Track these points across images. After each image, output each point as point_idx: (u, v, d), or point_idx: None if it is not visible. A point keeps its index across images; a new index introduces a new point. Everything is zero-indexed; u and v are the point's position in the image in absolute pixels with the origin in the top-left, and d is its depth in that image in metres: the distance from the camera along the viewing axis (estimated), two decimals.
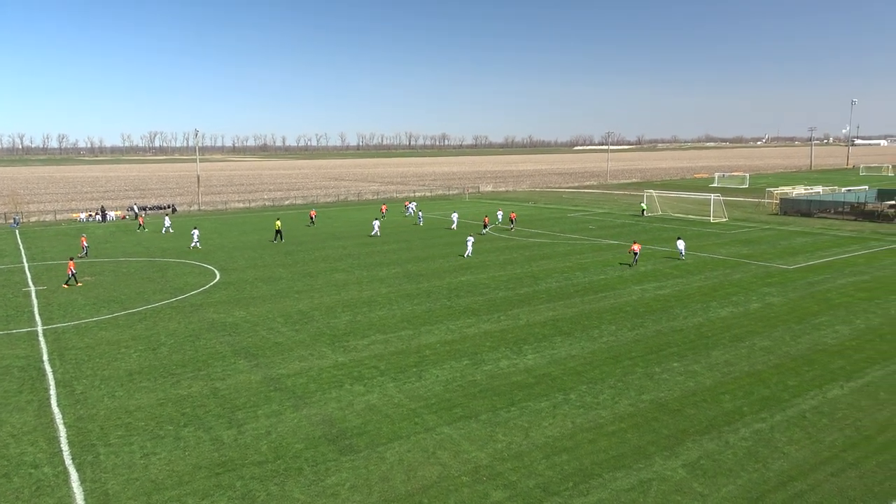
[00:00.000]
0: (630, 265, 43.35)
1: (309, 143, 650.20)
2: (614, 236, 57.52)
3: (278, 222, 60.10)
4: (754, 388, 22.39)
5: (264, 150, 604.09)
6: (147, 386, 23.39)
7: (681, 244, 45.97)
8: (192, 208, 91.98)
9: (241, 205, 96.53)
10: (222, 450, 18.53)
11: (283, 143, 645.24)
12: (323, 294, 37.16)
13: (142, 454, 18.37)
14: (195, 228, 56.78)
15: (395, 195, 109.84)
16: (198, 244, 54.62)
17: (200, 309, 34.10)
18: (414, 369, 24.63)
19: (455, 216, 66.02)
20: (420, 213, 73.63)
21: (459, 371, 24.38)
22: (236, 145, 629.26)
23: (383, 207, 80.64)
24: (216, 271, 44.27)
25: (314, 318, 32.16)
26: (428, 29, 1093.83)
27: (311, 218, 71.10)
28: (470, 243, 48.61)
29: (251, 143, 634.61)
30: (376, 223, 61.71)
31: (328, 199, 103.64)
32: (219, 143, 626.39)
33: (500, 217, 68.15)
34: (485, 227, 61.65)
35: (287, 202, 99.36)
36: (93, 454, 18.41)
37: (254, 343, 28.18)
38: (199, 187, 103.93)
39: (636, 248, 44.09)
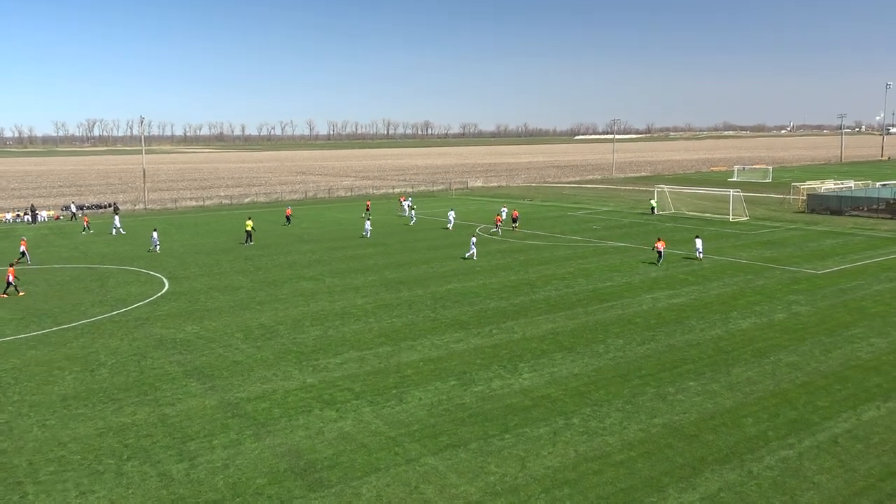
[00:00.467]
0: (655, 264, 45.45)
1: (272, 133, 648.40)
2: (621, 237, 57.84)
3: (249, 222, 59.95)
4: (780, 409, 22.53)
5: (221, 140, 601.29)
6: (84, 413, 23.10)
7: (699, 243, 47.52)
8: (137, 207, 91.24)
9: (193, 203, 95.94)
10: (171, 487, 18.32)
11: (243, 132, 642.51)
12: (289, 305, 37.00)
13: (77, 492, 18.10)
14: (155, 230, 56.98)
15: (371, 191, 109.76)
16: (157, 248, 54.65)
17: (147, 323, 33.84)
18: (393, 391, 24.54)
19: (452, 215, 66.43)
20: (414, 212, 73.82)
21: (446, 393, 24.32)
22: (188, 135, 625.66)
23: (367, 204, 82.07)
24: (165, 280, 43.98)
25: (278, 332, 32.00)
26: (407, 1, 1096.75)
27: (287, 217, 71.75)
28: (473, 243, 49.53)
29: (205, 132, 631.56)
30: (368, 223, 62.44)
31: (294, 196, 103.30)
32: (168, 133, 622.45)
33: (503, 214, 68.32)
34: (496, 226, 62.84)
35: (247, 200, 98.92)
36: (19, 493, 18.11)
37: (208, 362, 28.00)
38: (145, 183, 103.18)
39: (660, 246, 46.23)
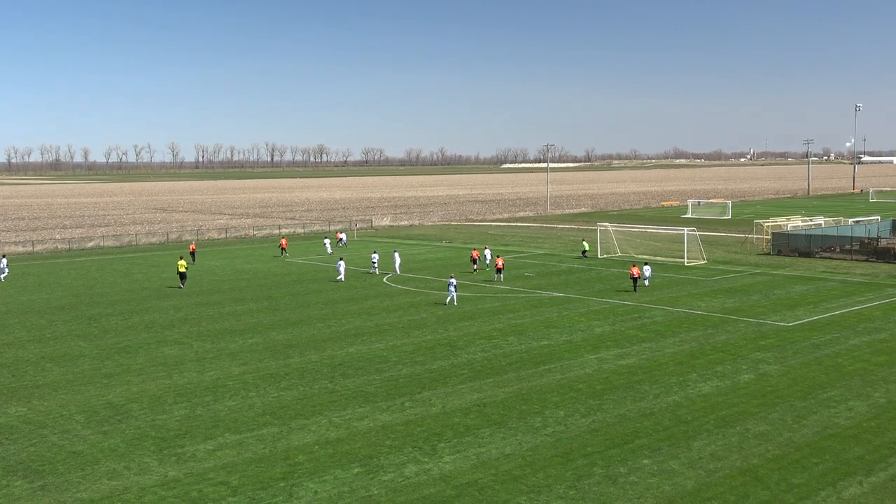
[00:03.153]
0: (636, 291, 53.41)
1: (124, 159, 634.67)
2: (559, 286, 59.03)
3: (182, 261, 63.24)
4: (750, 489, 23.24)
5: (56, 169, 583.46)
6: None
7: (647, 270, 57.07)
8: None
9: (19, 248, 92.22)
10: None
11: (86, 157, 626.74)
12: (145, 378, 35.97)
13: None
14: None
15: (251, 232, 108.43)
16: None
17: None
18: (281, 484, 24.06)
19: (376, 257, 68.48)
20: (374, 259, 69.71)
21: (348, 484, 24.00)
22: (13, 161, 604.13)
23: (283, 242, 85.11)
24: None
25: (132, 413, 31.04)
26: (291, 3, 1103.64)
27: (192, 254, 77.59)
28: (453, 286, 52.12)
29: (36, 157, 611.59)
30: (341, 264, 64.16)
31: (153, 240, 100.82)
32: None
33: (488, 257, 69.39)
34: (474, 262, 65.53)
35: (91, 244, 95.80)
36: None
37: (38, 454, 26.88)
38: None
39: (636, 272, 54.38)
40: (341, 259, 66.32)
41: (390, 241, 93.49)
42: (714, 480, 23.84)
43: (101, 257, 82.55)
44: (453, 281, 52.57)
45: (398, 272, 66.75)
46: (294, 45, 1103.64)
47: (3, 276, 66.09)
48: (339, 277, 63.21)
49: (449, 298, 51.91)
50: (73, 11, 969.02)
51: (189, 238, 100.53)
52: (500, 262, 63.17)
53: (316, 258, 79.07)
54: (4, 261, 67.67)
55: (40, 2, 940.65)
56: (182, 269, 62.33)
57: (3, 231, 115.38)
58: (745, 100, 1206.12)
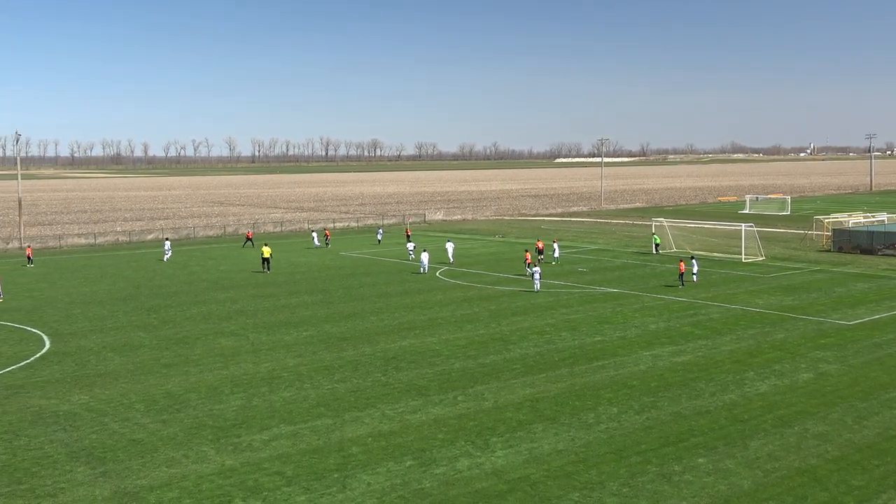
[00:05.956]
0: (681, 286, 54.13)
1: (182, 153, 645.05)
2: (613, 282, 58.57)
3: (266, 248, 67.54)
4: (808, 490, 22.84)
5: (117, 163, 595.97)
6: None
7: (695, 265, 56.83)
8: (10, 245, 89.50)
9: (82, 240, 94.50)
10: None
11: (146, 152, 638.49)
12: (203, 368, 36.56)
13: None
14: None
15: (304, 226, 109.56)
16: None
17: (21, 392, 33.14)
18: (335, 475, 24.28)
19: (450, 247, 71.04)
20: (412, 254, 72.47)
21: (400, 476, 24.13)
22: (77, 155, 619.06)
23: (327, 233, 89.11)
24: (45, 337, 43.20)
25: (190, 403, 31.55)
26: None
27: (249, 240, 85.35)
28: (537, 275, 54.58)
29: (98, 152, 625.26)
30: (425, 255, 65.05)
31: (210, 233, 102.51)
32: (51, 153, 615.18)
33: (556, 251, 70.58)
34: (526, 264, 63.33)
35: (150, 237, 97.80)
36: None
37: (100, 441, 27.46)
38: (20, 215, 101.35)
39: (683, 267, 55.06)
40: (425, 250, 66.83)
41: (442, 235, 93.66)
42: (771, 481, 23.48)
43: (160, 250, 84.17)
44: (538, 270, 55.16)
45: (451, 260, 68.65)
46: (349, 41, 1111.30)
47: (166, 257, 74.86)
48: (422, 270, 63.84)
49: (535, 285, 54.18)
50: (133, 8, 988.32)
51: (245, 231, 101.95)
52: (528, 257, 64.00)
53: (369, 251, 79.60)
54: (168, 244, 77.43)
55: None
56: (266, 255, 66.14)
57: (67, 223, 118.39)
58: (805, 93, 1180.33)
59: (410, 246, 74.38)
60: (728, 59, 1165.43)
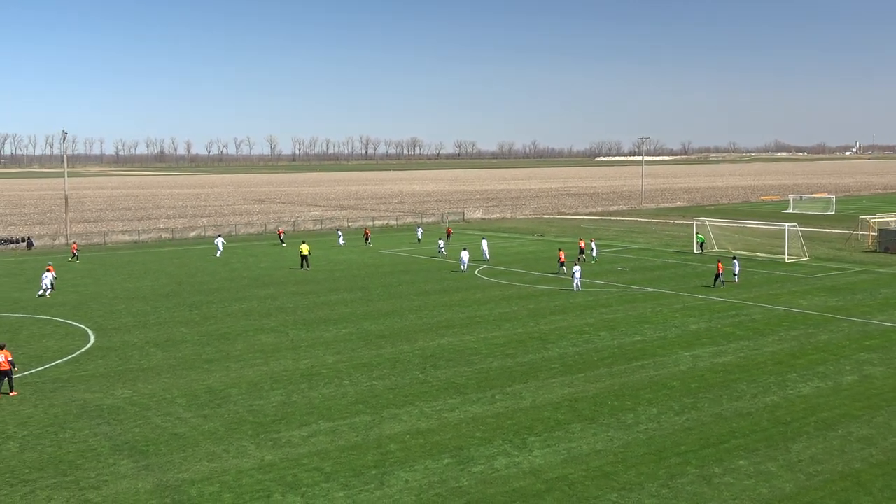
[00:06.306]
0: (714, 286, 54.06)
1: (224, 151, 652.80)
2: (653, 281, 58.08)
3: (305, 245, 68.43)
4: (852, 495, 22.46)
5: (161, 161, 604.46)
6: None
7: (736, 265, 56.50)
8: (56, 242, 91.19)
9: (126, 237, 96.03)
10: None
11: (188, 150, 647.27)
12: (243, 364, 36.91)
13: None
14: (47, 271, 57.26)
15: (346, 224, 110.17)
16: (47, 291, 55.11)
17: (66, 386, 33.66)
18: (373, 472, 24.39)
19: (485, 244, 71.87)
20: (443, 249, 76.08)
21: (438, 474, 24.17)
22: (121, 153, 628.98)
23: (367, 232, 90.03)
24: (90, 332, 43.86)
25: (231, 398, 31.87)
26: None
27: (280, 236, 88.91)
28: (578, 273, 54.71)
29: (142, 150, 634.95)
30: (465, 254, 65.23)
31: (252, 230, 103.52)
32: (96, 151, 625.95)
33: (594, 250, 71.04)
34: (561, 264, 63.31)
35: (193, 234, 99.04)
36: None
37: (143, 435, 27.83)
38: (67, 212, 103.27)
39: (721, 267, 54.61)
40: (465, 248, 67.04)
41: (480, 233, 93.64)
42: (814, 484, 23.12)
43: (202, 247, 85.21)
44: (578, 269, 55.31)
45: (487, 257, 69.25)
46: (388, 40, 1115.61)
47: (218, 252, 76.61)
48: (462, 268, 63.95)
49: (575, 283, 54.30)
50: (178, 9, 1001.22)
51: (286, 230, 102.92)
52: (562, 256, 63.59)
53: (408, 249, 79.83)
54: (221, 239, 79.03)
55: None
56: (304, 253, 66.84)
57: (112, 220, 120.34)
58: (851, 90, 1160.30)
59: (441, 243, 76.35)
60: (772, 56, 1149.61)
